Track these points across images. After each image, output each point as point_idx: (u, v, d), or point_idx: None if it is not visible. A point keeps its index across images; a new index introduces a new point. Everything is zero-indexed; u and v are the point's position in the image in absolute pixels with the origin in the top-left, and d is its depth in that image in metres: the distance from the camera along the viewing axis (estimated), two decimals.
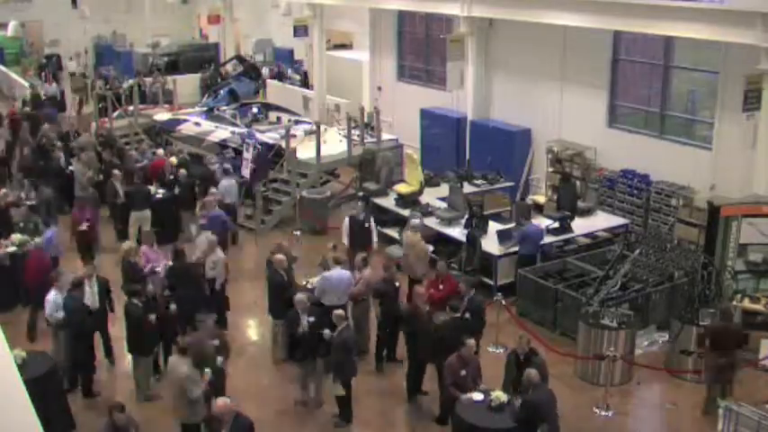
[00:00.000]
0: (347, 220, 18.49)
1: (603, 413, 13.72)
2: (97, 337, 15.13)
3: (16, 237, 18.28)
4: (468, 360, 12.51)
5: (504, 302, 15.93)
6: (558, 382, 13.36)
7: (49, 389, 12.65)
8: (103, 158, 24.25)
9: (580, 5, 19.89)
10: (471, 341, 12.65)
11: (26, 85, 35.65)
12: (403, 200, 20.83)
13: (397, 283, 15.43)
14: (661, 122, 20.78)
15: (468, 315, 13.98)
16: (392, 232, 20.26)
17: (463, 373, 12.35)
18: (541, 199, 21.42)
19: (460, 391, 12.19)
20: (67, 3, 42.42)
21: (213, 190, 20.25)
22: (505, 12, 22.52)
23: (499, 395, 11.93)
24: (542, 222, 18.90)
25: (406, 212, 19.79)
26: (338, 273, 15.28)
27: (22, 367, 11.12)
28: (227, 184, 21.34)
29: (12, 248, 17.91)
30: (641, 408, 14.54)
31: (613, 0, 18.96)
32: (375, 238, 18.74)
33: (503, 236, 18.17)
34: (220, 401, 10.90)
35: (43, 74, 40.17)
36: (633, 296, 15.79)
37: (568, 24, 20.69)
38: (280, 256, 15.51)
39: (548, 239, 18.37)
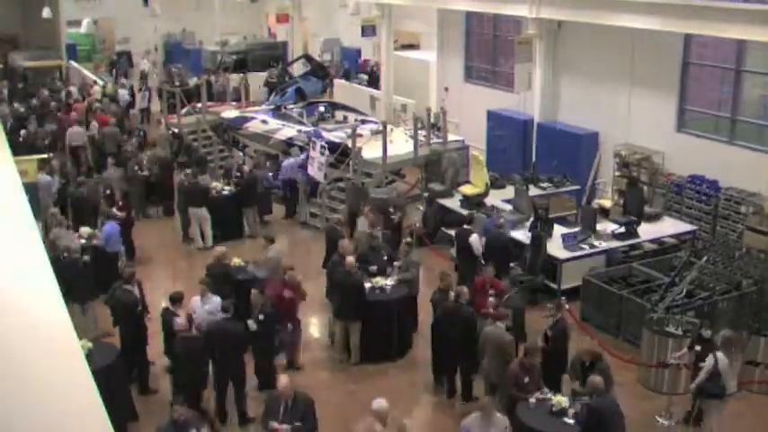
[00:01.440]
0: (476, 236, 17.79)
1: (666, 422, 13.56)
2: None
3: (84, 230, 18.54)
4: (531, 367, 12.45)
5: (567, 307, 15.81)
6: (620, 389, 13.23)
7: (113, 379, 12.84)
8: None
9: (651, 8, 19.68)
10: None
11: (100, 83, 36.22)
12: (468, 201, 20.78)
13: (452, 293, 15.34)
14: (731, 127, 20.48)
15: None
16: None
17: (526, 380, 12.30)
18: (608, 203, 21.22)
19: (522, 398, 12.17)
20: (139, 1, 43.01)
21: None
22: (574, 14, 22.37)
23: (560, 400, 11.87)
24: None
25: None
26: None
27: (89, 357, 11.30)
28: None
29: (82, 241, 18.17)
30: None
31: (685, 3, 18.74)
32: None
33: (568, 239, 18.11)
34: (282, 381, 11.09)
35: (114, 71, 40.83)
36: (699, 304, 15.56)
37: (638, 27, 20.47)
38: (350, 259, 15.60)
39: (614, 244, 18.26)
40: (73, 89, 34.19)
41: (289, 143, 25.53)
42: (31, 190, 15.08)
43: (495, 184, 21.85)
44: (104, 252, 17.70)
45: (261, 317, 14.10)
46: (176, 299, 14.02)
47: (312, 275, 18.36)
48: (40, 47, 40.24)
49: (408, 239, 17.61)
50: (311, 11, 40.43)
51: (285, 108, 28.43)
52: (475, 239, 17.30)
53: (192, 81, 34.43)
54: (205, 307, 14.14)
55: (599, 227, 18.84)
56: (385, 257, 16.64)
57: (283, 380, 11.25)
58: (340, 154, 23.50)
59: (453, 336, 13.93)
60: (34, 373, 4.84)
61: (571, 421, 11.61)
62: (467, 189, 21.28)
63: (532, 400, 12.00)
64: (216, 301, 14.13)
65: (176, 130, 28.40)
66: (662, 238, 19.17)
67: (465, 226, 17.93)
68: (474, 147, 25.46)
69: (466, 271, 17.36)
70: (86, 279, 16.05)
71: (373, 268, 16.21)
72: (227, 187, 22.03)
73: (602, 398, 11.39)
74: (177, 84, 33.56)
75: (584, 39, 23.48)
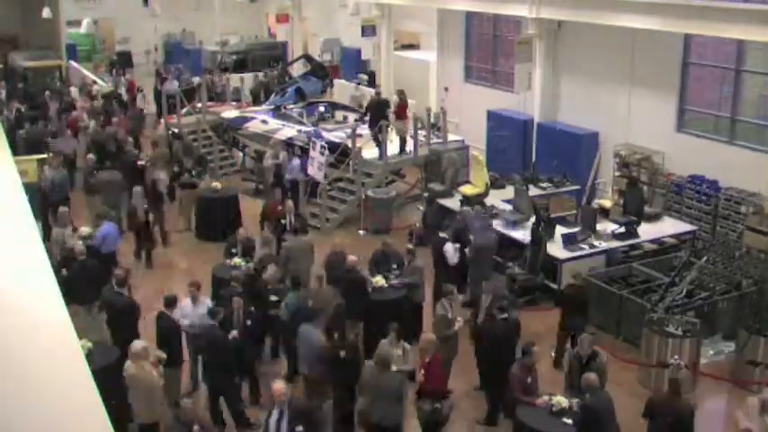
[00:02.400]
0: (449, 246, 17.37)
1: None
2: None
3: (84, 229, 18.45)
4: (531, 366, 12.45)
5: None
6: (620, 389, 13.23)
7: (113, 380, 12.78)
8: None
9: (651, 8, 19.69)
10: (536, 348, 12.59)
11: (101, 84, 36.22)
12: (468, 201, 20.77)
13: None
14: (731, 127, 20.48)
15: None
16: None
17: (529, 380, 12.30)
18: (608, 203, 21.21)
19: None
20: (139, 1, 43.00)
21: None
22: (574, 14, 22.37)
23: (560, 400, 11.86)
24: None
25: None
26: None
27: (89, 357, 11.24)
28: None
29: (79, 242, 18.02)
30: (705, 418, 14.32)
31: (685, 3, 18.75)
32: None
33: (568, 240, 18.11)
34: (277, 385, 10.93)
35: (114, 70, 40.80)
36: (699, 304, 15.56)
37: (638, 27, 20.47)
38: (353, 257, 15.55)
39: (614, 244, 18.26)
40: (73, 89, 34.18)
41: (289, 143, 25.49)
42: (32, 190, 15.02)
43: (495, 184, 21.84)
44: (99, 252, 17.54)
45: (248, 322, 13.81)
46: (171, 302, 13.89)
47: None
48: (40, 47, 40.19)
49: (410, 246, 17.47)
50: (311, 11, 40.44)
51: (285, 108, 28.42)
52: (449, 248, 17.15)
53: (195, 80, 34.38)
54: (198, 310, 14.02)
55: (599, 227, 18.83)
56: (395, 265, 16.49)
57: (276, 385, 10.99)
58: (340, 154, 23.49)
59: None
60: (34, 373, 4.84)
61: (570, 421, 11.60)
62: (467, 189, 21.27)
63: (541, 404, 11.93)
64: (208, 304, 14.11)
65: (176, 130, 28.37)
66: (662, 238, 19.15)
67: (440, 234, 17.79)
68: (474, 147, 25.45)
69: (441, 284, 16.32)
70: (92, 280, 15.93)
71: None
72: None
73: (596, 396, 11.38)
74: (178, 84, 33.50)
75: (584, 39, 23.48)
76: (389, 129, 23.54)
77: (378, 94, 25.34)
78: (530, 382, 12.29)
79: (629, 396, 13.86)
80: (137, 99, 34.51)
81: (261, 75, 36.00)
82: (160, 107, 31.59)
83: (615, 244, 18.34)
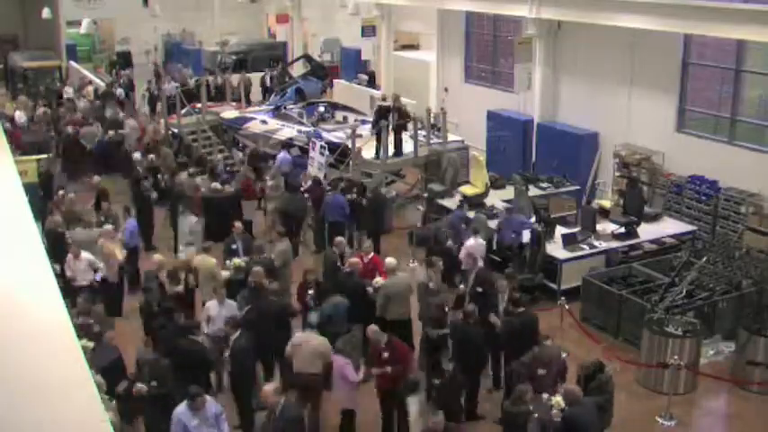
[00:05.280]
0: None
1: (666, 422, 13.53)
2: None
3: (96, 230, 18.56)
4: (548, 360, 12.39)
5: (566, 307, 15.78)
6: (619, 390, 13.20)
7: (113, 379, 12.74)
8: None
9: (651, 8, 19.67)
10: (549, 342, 12.54)
11: (100, 83, 36.22)
12: (468, 201, 20.76)
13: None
14: (731, 128, 20.46)
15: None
16: None
17: (541, 372, 12.23)
18: (607, 203, 21.19)
19: (536, 391, 12.01)
20: (139, 1, 42.97)
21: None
22: (574, 14, 22.36)
23: (559, 401, 11.81)
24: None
25: (470, 214, 19.70)
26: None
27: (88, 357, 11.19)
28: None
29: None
30: (705, 418, 14.33)
31: (685, 3, 18.74)
32: None
33: (568, 240, 18.11)
34: (267, 388, 10.86)
35: (114, 71, 40.81)
36: (699, 304, 15.55)
37: (638, 27, 20.46)
38: (354, 260, 15.48)
39: (613, 244, 18.25)
40: (69, 89, 34.16)
41: (289, 143, 25.47)
42: (32, 190, 15.04)
43: (495, 184, 21.83)
44: (127, 247, 17.86)
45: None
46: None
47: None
48: (39, 47, 40.19)
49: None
50: (311, 11, 40.43)
51: (285, 108, 28.41)
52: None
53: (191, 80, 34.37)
54: (222, 312, 13.76)
55: (599, 227, 18.84)
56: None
57: (266, 388, 10.92)
58: (340, 154, 23.48)
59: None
60: (34, 373, 4.84)
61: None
62: (467, 189, 21.25)
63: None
64: (233, 306, 13.95)
65: (176, 130, 28.36)
66: (662, 238, 19.15)
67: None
68: (474, 147, 25.44)
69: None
70: None
71: None
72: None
73: (576, 407, 11.17)
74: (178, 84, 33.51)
75: (584, 39, 23.46)
76: (390, 130, 23.51)
77: (383, 99, 25.31)
78: (541, 374, 12.21)
79: (629, 396, 13.88)
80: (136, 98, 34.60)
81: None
82: (154, 108, 31.72)
83: (615, 244, 18.34)
